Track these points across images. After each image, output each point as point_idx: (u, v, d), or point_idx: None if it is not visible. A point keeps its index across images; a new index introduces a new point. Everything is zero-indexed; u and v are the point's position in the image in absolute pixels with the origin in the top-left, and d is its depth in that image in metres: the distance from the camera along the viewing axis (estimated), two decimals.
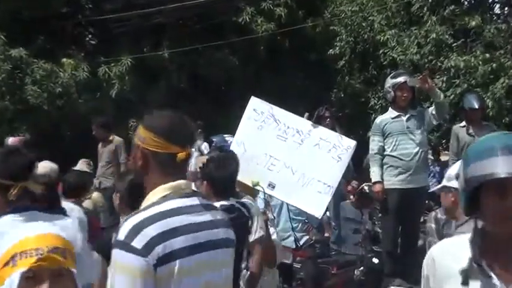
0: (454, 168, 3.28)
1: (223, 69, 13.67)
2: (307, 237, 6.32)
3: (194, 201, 2.17)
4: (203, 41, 13.28)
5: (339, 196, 7.23)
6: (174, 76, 13.90)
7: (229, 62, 13.95)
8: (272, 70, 13.92)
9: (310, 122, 5.38)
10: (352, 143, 5.16)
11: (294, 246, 6.04)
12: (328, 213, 7.06)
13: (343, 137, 5.22)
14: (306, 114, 5.90)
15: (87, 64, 12.98)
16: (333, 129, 6.54)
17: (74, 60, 13.08)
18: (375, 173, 6.33)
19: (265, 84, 13.25)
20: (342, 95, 15.54)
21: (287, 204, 5.37)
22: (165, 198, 2.14)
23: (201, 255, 2.11)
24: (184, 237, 2.07)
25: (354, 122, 14.16)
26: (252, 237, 3.87)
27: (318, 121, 6.78)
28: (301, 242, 6.15)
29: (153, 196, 2.17)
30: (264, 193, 4.65)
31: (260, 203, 4.82)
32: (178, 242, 2.05)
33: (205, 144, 8.62)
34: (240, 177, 3.98)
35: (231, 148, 4.94)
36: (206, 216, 2.18)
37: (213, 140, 7.63)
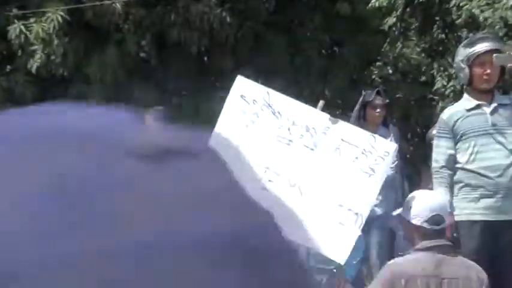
0: None
1: (206, 29, 12.12)
2: None
3: None
4: None
5: (380, 229, 6.27)
6: (130, 39, 12.11)
7: (216, 18, 12.20)
8: (281, 30, 12.62)
9: (327, 115, 4.45)
10: (391, 148, 4.43)
11: None
12: (374, 256, 6.15)
13: (378, 137, 4.47)
14: (321, 103, 4.73)
15: None
16: (386, 126, 6.47)
17: None
18: None
19: (269, 53, 12.18)
20: (390, 71, 13.36)
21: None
22: None
23: None
24: None
25: (408, 114, 12.59)
26: None
27: (363, 113, 6.53)
28: None
29: None
30: None
31: None
32: None
33: None
34: None
35: None
36: None
37: None
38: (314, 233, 4.15)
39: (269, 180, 4.23)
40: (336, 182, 4.28)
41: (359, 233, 4.25)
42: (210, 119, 4.65)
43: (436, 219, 4.13)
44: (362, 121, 6.31)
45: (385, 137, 5.36)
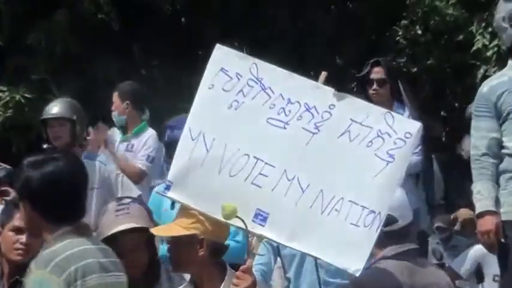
0: None
1: None
2: None
3: None
4: None
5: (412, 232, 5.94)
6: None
7: None
8: None
9: (331, 90, 4.18)
10: (414, 127, 4.11)
11: None
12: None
13: (397, 115, 4.20)
14: (323, 75, 4.40)
15: None
16: (401, 104, 6.76)
17: None
18: (481, 195, 5.32)
19: (264, 12, 11.85)
20: (419, 31, 12.27)
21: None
22: None
23: None
24: None
25: (442, 85, 12.16)
26: None
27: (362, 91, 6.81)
28: None
29: None
30: (263, 239, 4.13)
31: (263, 252, 4.74)
32: None
33: (151, 133, 7.62)
34: (197, 204, 3.82)
35: (181, 144, 4.11)
36: None
37: (170, 126, 6.08)
38: (320, 239, 3.95)
39: (261, 174, 4.01)
40: (345, 173, 4.04)
41: (376, 235, 3.99)
42: (190, 97, 4.37)
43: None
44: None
45: None
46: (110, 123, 7.81)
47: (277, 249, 4.81)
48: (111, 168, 6.71)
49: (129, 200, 4.33)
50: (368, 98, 6.38)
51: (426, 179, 7.49)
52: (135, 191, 6.64)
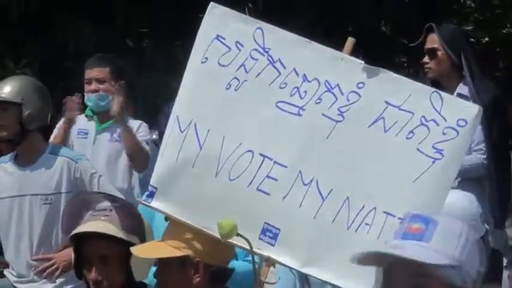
0: None
1: None
2: None
3: None
4: None
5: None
6: None
7: None
8: None
9: (359, 63, 3.79)
10: (470, 112, 3.65)
11: None
12: None
13: (448, 96, 3.77)
14: (350, 41, 4.00)
15: None
16: (465, 84, 6.27)
17: None
18: None
19: None
20: None
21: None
22: None
23: None
24: None
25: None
26: None
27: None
28: None
29: None
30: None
31: (275, 279, 4.16)
32: None
33: (140, 122, 6.83)
34: (188, 216, 3.59)
35: (167, 138, 3.78)
36: None
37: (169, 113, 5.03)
38: (346, 263, 3.16)
39: (269, 177, 3.68)
40: (378, 175, 3.72)
41: None
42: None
43: None
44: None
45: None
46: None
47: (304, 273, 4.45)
48: (84, 166, 5.86)
49: (122, 201, 3.91)
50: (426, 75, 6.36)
51: (497, 185, 6.57)
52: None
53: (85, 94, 6.88)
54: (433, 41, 6.47)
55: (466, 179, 5.80)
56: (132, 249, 3.64)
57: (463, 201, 4.42)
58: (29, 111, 5.87)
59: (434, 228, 2.65)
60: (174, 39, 10.65)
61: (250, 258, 4.47)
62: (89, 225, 3.79)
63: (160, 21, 11.06)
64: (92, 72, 6.67)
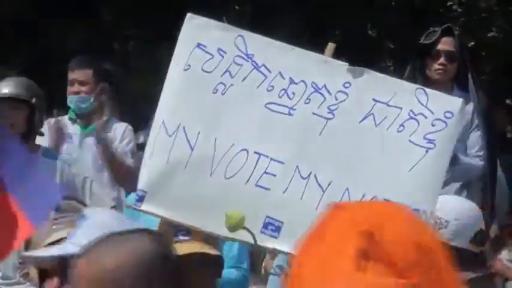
0: None
1: None
2: None
3: None
4: None
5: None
6: None
7: None
8: None
9: (344, 65, 3.99)
10: (454, 104, 3.91)
11: None
12: None
13: (431, 91, 3.99)
14: (330, 46, 4.08)
15: None
16: (462, 88, 6.03)
17: None
18: None
19: None
20: None
21: None
22: None
23: None
24: None
25: (504, 65, 11.60)
26: None
27: (420, 66, 6.07)
28: None
29: None
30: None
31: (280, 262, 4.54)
32: None
33: (125, 125, 6.82)
34: (182, 217, 3.56)
35: (153, 143, 3.82)
36: None
37: None
38: None
39: (267, 173, 3.83)
40: (374, 166, 3.86)
41: None
42: None
43: None
44: (420, 79, 5.91)
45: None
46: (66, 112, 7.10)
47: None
48: (75, 171, 5.95)
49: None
50: (424, 76, 5.96)
51: (487, 187, 6.77)
52: (109, 203, 6.05)
53: (67, 95, 6.73)
54: (451, 44, 6.30)
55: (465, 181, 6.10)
56: None
57: (463, 202, 4.30)
58: (39, 113, 5.89)
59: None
60: (160, 42, 10.56)
61: (244, 266, 4.49)
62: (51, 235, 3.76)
63: (146, 23, 11.04)
64: (74, 74, 6.59)
